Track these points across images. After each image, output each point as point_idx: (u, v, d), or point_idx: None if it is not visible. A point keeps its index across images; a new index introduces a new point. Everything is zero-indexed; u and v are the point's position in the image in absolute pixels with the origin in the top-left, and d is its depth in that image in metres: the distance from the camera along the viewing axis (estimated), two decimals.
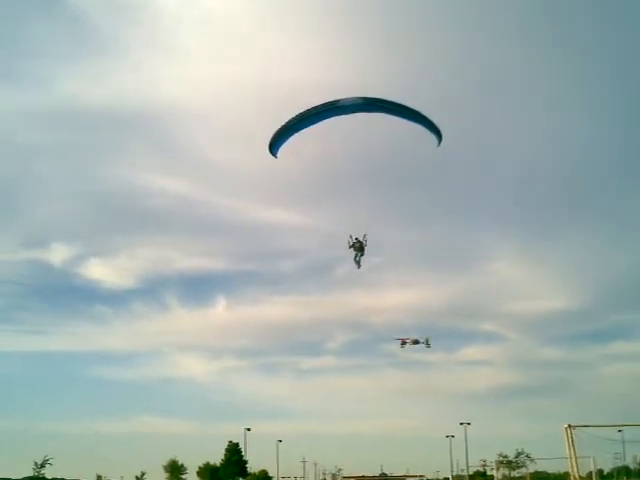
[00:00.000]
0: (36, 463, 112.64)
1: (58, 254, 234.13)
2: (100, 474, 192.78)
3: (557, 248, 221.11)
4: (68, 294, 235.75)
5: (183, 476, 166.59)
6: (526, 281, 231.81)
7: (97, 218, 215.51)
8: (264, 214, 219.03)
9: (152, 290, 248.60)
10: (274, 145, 28.93)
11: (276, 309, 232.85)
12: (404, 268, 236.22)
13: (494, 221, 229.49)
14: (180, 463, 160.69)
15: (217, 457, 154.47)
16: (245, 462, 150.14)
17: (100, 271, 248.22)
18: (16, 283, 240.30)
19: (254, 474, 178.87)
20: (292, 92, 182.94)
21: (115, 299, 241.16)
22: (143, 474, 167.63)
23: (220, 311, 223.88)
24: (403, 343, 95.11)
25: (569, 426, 76.66)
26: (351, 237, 31.53)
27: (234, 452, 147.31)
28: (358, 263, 31.56)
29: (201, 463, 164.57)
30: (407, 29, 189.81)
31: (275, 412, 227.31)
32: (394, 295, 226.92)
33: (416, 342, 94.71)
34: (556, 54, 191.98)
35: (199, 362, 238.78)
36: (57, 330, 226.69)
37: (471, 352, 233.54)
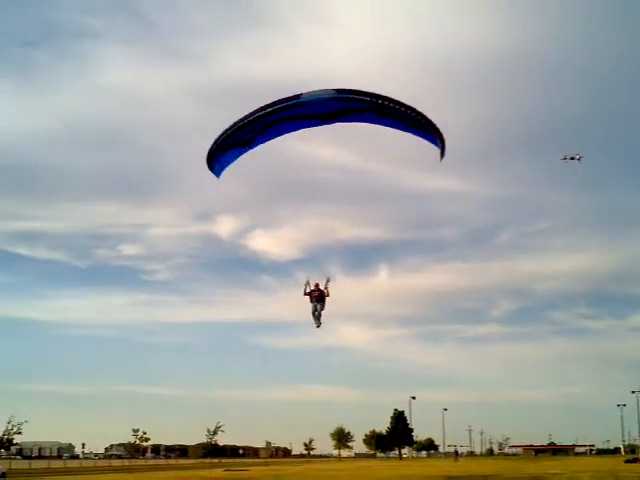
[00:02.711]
0: (208, 430, 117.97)
1: (225, 227, 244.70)
2: (269, 440, 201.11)
3: None
4: (235, 265, 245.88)
5: (350, 444, 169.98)
6: None
7: (262, 191, 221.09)
8: (425, 182, 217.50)
9: (315, 260, 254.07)
10: (212, 163, 19.28)
11: (438, 277, 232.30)
12: (573, 232, 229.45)
13: None
14: (347, 431, 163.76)
15: (383, 425, 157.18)
16: (411, 430, 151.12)
17: (265, 242, 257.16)
18: (188, 255, 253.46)
19: (420, 442, 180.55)
20: (448, 60, 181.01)
21: (279, 269, 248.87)
22: (311, 441, 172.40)
23: (383, 280, 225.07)
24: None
25: None
26: (308, 283, 24.22)
27: (399, 420, 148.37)
28: (317, 319, 24.44)
29: (367, 431, 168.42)
30: None
31: (440, 380, 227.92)
32: (561, 260, 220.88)
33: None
34: None
35: (363, 331, 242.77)
36: (225, 300, 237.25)
37: None
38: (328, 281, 24.41)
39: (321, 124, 18.46)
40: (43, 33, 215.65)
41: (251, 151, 18.80)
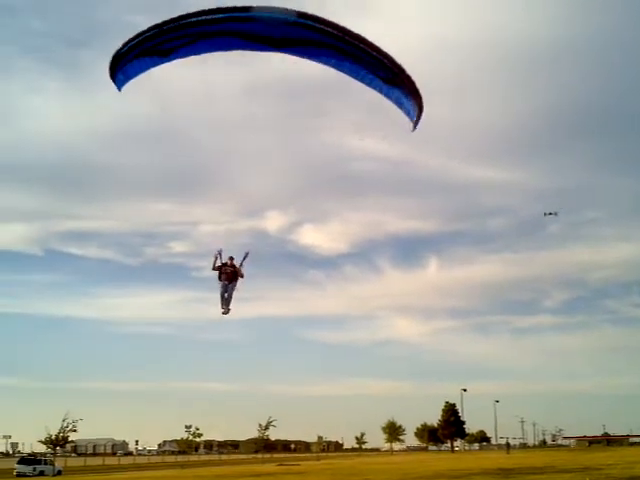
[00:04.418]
0: (260, 425, 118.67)
1: (273, 222, 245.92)
2: (321, 435, 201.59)
3: None
4: (284, 260, 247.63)
5: (401, 437, 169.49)
6: None
7: (309, 185, 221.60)
8: (472, 172, 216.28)
9: (364, 253, 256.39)
10: (117, 69, 14.65)
11: (488, 268, 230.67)
12: (624, 220, 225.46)
13: None
14: (398, 424, 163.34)
15: (434, 418, 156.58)
16: (462, 422, 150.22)
17: (313, 237, 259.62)
18: (236, 252, 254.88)
19: (472, 434, 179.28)
20: (495, 49, 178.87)
21: (328, 264, 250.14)
22: (362, 435, 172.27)
23: (432, 272, 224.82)
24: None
25: None
26: (220, 255, 20.10)
27: (451, 412, 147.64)
28: (226, 303, 20.10)
29: (419, 424, 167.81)
30: None
31: (491, 372, 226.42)
32: (613, 249, 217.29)
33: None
34: None
35: (413, 323, 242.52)
36: (274, 295, 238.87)
37: None
38: (246, 256, 20.19)
39: (265, 49, 14.76)
40: (90, 32, 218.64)
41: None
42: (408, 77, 14.98)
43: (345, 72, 15.21)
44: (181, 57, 14.54)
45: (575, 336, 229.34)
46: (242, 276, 20.20)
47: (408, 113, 15.73)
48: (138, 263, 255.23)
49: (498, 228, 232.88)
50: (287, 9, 13.89)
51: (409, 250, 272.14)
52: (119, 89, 14.99)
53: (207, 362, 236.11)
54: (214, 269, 20.20)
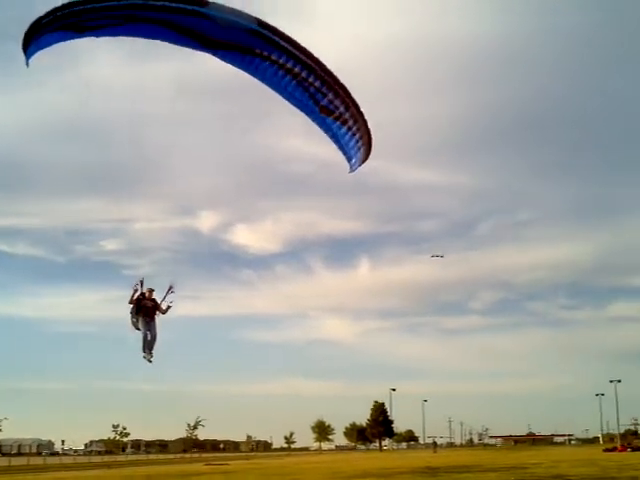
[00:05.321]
0: (189, 425, 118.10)
1: (206, 221, 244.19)
2: (250, 434, 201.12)
3: None
4: (216, 260, 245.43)
5: (330, 436, 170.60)
6: None
7: (243, 185, 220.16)
8: (405, 174, 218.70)
9: (296, 253, 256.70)
10: (30, 42, 12.44)
11: (418, 269, 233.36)
12: (553, 223, 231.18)
13: None
14: (327, 423, 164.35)
15: (363, 417, 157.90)
16: (391, 422, 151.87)
17: (247, 236, 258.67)
18: (167, 250, 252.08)
19: (400, 434, 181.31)
20: (424, 51, 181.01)
21: (261, 263, 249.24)
22: (292, 434, 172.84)
23: (363, 272, 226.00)
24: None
25: None
26: (141, 285, 16.78)
27: (380, 412, 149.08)
28: (149, 348, 16.98)
29: (347, 423, 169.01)
30: None
31: (420, 372, 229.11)
32: (541, 251, 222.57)
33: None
34: None
35: (344, 323, 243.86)
36: (207, 295, 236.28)
37: (621, 308, 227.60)
38: (169, 290, 16.72)
39: (197, 47, 12.98)
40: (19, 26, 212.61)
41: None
42: (362, 116, 13.46)
43: (283, 92, 13.48)
44: (100, 35, 12.87)
45: (502, 337, 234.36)
46: (163, 313, 17.11)
47: (348, 154, 14.24)
48: (68, 261, 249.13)
49: (429, 229, 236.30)
50: (247, 14, 12.32)
51: (341, 250, 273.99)
52: (27, 63, 12.74)
53: (137, 362, 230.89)
54: (131, 302, 16.90)
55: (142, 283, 16.78)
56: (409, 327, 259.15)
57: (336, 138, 13.89)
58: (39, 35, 12.49)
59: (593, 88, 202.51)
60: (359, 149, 13.92)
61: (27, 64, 12.76)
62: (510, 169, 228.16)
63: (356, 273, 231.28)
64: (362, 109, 13.42)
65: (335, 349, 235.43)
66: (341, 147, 14.12)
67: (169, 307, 17.01)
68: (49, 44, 12.86)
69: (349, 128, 13.60)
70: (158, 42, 13.17)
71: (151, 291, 16.94)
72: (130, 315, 17.00)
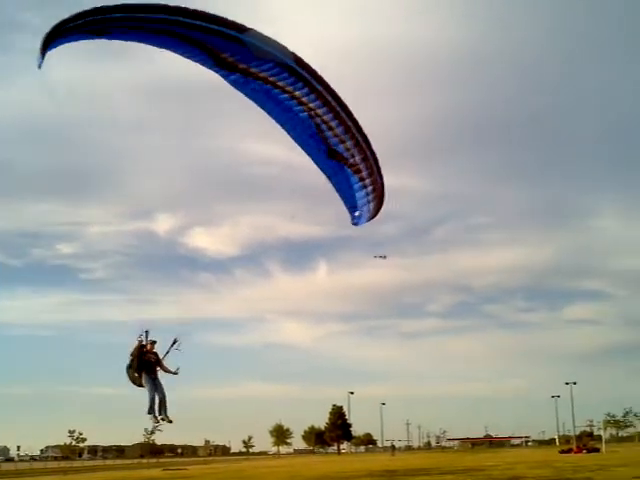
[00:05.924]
0: (146, 430, 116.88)
1: (163, 224, 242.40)
2: (208, 439, 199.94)
3: None
4: (173, 263, 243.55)
5: (288, 440, 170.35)
6: (638, 237, 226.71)
7: (201, 188, 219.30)
8: None
9: (254, 257, 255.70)
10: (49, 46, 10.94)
11: (376, 272, 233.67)
12: (509, 226, 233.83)
13: (602, 176, 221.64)
14: (285, 427, 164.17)
15: (321, 421, 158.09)
16: (349, 425, 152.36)
17: (204, 240, 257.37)
18: (123, 254, 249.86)
19: (358, 437, 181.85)
20: (389, 55, 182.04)
21: (219, 267, 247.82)
22: (250, 438, 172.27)
23: (322, 276, 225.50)
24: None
25: None
26: (146, 335, 15.83)
27: (338, 415, 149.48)
28: (164, 409, 16.23)
29: (306, 427, 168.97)
30: None
31: (378, 375, 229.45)
32: (498, 255, 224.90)
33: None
34: None
35: (302, 327, 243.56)
36: (163, 299, 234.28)
37: (576, 311, 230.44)
38: (173, 344, 15.55)
39: (214, 67, 12.09)
40: None
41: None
42: (379, 171, 12.90)
43: (294, 131, 12.57)
44: (120, 39, 11.94)
45: (460, 340, 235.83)
46: (171, 372, 16.08)
47: (354, 204, 13.57)
48: (23, 264, 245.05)
49: (388, 233, 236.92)
50: (285, 48, 11.67)
51: (299, 254, 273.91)
52: (40, 66, 11.14)
53: (93, 366, 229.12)
54: (132, 355, 15.70)
55: (147, 334, 15.80)
56: (367, 330, 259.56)
57: (344, 185, 13.37)
58: (62, 37, 11.37)
59: (547, 91, 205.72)
60: (368, 202, 13.48)
61: (39, 66, 11.32)
62: (465, 173, 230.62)
63: (314, 277, 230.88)
64: (380, 164, 12.97)
65: (293, 353, 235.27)
66: (347, 196, 13.57)
67: (178, 369, 16.00)
68: (59, 45, 11.64)
69: (361, 179, 13.16)
70: (115, 42, 12.01)
71: (153, 343, 15.96)
72: (128, 369, 15.97)
